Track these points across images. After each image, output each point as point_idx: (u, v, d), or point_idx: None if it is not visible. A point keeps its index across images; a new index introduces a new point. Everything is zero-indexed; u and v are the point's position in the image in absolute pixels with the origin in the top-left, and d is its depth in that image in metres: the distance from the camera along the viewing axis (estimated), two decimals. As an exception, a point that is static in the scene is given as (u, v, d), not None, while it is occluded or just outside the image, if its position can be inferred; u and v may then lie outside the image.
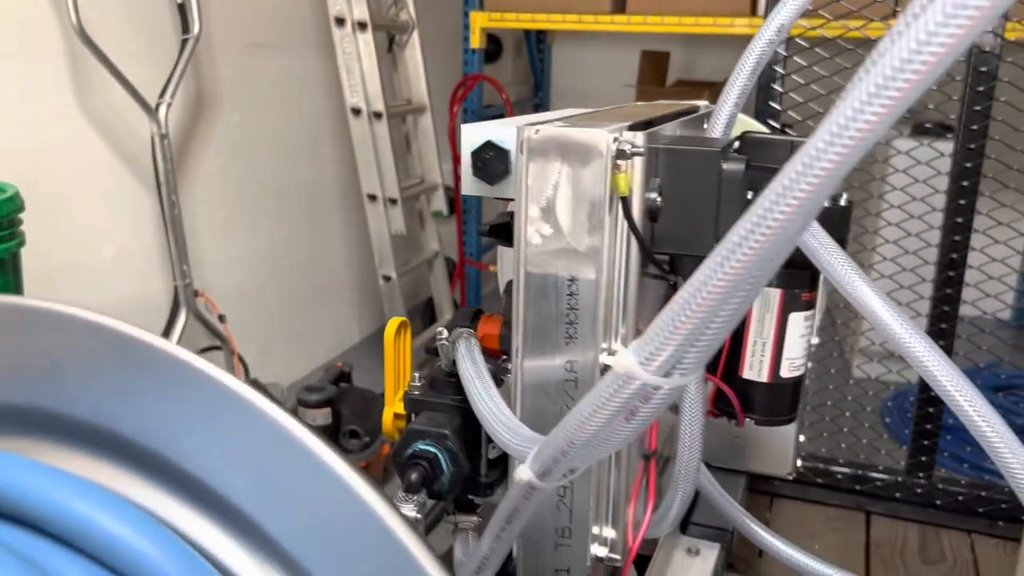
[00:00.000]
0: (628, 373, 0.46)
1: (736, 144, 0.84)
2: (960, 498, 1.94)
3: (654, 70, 3.45)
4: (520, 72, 4.01)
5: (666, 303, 0.70)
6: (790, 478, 1.38)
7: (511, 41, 3.93)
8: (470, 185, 0.75)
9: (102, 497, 0.35)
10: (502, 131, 0.73)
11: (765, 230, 0.41)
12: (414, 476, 0.73)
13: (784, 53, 1.85)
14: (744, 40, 0.80)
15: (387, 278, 2.87)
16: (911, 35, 0.34)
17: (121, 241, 2.15)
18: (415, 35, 2.95)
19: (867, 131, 0.36)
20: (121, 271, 2.16)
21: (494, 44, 3.78)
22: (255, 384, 2.43)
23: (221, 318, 2.34)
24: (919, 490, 1.98)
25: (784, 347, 0.87)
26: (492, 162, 0.71)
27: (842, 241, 0.85)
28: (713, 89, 3.22)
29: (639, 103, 1.02)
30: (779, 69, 1.85)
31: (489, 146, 0.72)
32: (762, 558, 1.73)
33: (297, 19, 2.73)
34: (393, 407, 0.83)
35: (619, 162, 0.67)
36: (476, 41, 3.18)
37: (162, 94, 2.09)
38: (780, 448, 1.33)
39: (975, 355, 2.15)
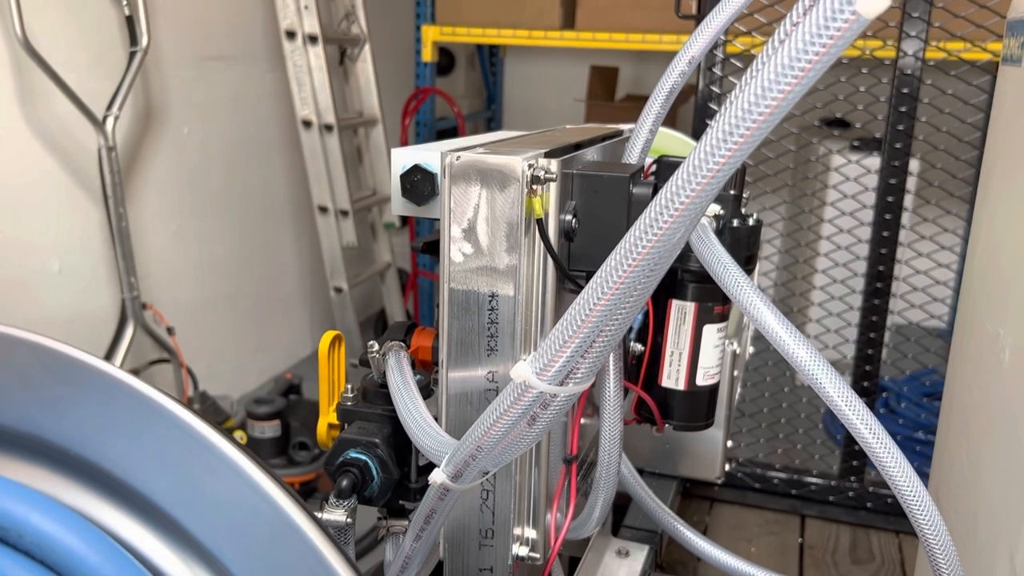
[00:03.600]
0: (525, 383, 0.51)
1: (653, 167, 0.89)
2: (889, 500, 2.02)
3: (603, 85, 3.52)
4: (473, 85, 4.06)
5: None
6: (719, 482, 1.44)
7: (464, 55, 3.98)
8: (400, 205, 0.79)
9: (32, 497, 0.38)
10: (429, 155, 0.77)
11: (633, 259, 0.46)
12: (345, 482, 0.77)
13: (720, 73, 1.93)
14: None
15: (338, 290, 2.89)
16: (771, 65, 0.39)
17: (68, 254, 2.14)
18: (367, 48, 2.98)
19: (728, 159, 0.41)
20: (68, 284, 2.16)
21: (447, 57, 3.83)
22: (203, 396, 2.43)
23: (169, 330, 2.34)
24: (851, 493, 2.06)
25: (699, 357, 0.92)
26: (419, 184, 0.76)
27: (751, 257, 0.91)
28: (659, 104, 3.30)
29: (568, 127, 1.07)
30: (715, 89, 1.93)
31: (416, 169, 0.76)
32: (700, 562, 1.79)
33: (248, 32, 2.74)
34: (327, 417, 0.86)
35: (534, 187, 0.72)
36: (428, 55, 3.23)
37: (109, 106, 2.09)
38: (709, 453, 1.38)
39: (903, 363, 2.24)
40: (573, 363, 0.50)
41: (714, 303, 0.91)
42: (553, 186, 0.73)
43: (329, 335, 0.85)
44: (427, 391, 0.81)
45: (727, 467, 1.45)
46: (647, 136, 0.84)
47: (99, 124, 2.08)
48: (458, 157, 0.72)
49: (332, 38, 2.80)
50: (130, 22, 2.17)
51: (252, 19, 2.76)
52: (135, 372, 2.29)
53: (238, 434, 2.47)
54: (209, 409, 2.48)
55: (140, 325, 2.26)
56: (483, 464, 0.59)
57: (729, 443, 1.40)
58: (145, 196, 2.38)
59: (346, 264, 2.86)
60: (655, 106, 0.83)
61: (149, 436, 0.40)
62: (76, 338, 2.18)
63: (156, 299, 2.36)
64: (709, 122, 1.95)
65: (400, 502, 0.82)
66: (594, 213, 0.74)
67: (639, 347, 0.93)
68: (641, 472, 1.36)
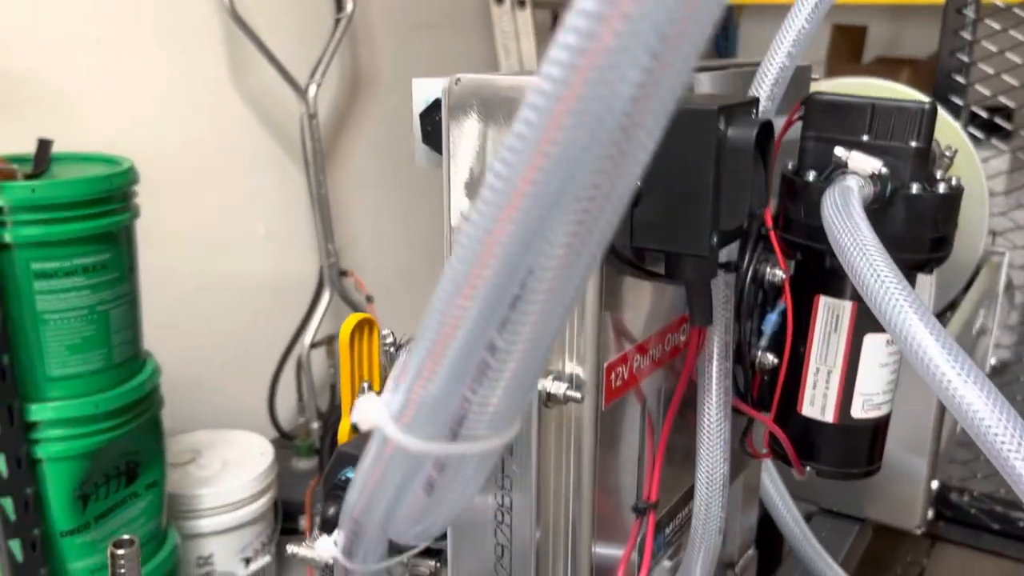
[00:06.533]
0: (382, 429, 0.31)
1: (801, 109, 0.64)
2: None
3: (848, 45, 3.10)
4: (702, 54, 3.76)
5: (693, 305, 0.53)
6: (919, 532, 1.12)
7: (693, 18, 3.69)
8: (422, 156, 0.61)
9: None
10: (455, 87, 0.58)
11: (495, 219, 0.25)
12: (332, 510, 0.60)
13: (973, 15, 1.55)
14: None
15: (537, 266, 2.78)
16: None
17: (272, 218, 2.19)
18: (580, 14, 2.81)
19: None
20: (272, 248, 2.21)
21: (673, 22, 3.56)
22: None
23: (368, 299, 2.33)
24: None
25: (857, 379, 0.66)
26: (441, 126, 0.57)
27: (941, 240, 0.64)
28: (914, 66, 2.84)
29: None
30: (966, 35, 1.55)
31: (438, 106, 0.57)
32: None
33: (457, -2, 2.68)
34: (349, 419, 0.71)
35: (563, 123, 0.50)
36: (649, 19, 3.00)
37: (312, 75, 2.10)
38: (906, 494, 1.08)
39: None
40: (456, 404, 0.29)
41: (881, 303, 0.65)
42: (593, 124, 0.51)
43: (354, 318, 0.70)
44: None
45: (931, 512, 1.13)
46: (783, 61, 0.59)
47: (302, 92, 2.09)
48: (458, 80, 0.53)
49: (542, 1, 2.66)
50: (337, -11, 2.18)
51: (461, -17, 2.69)
52: (330, 339, 2.31)
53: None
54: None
55: (337, 292, 2.27)
56: (376, 542, 0.40)
57: (935, 483, 1.09)
58: (350, 163, 2.39)
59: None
60: (801, 12, 0.58)
61: None
62: (279, 301, 2.23)
63: (358, 266, 2.36)
64: (956, 77, 1.58)
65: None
66: (666, 167, 0.51)
67: (771, 359, 0.68)
68: (808, 517, 1.08)
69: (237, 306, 2.11)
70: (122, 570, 0.40)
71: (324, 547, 0.44)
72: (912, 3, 2.40)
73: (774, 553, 1.05)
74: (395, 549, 0.43)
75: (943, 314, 1.33)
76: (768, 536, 1.00)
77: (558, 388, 0.52)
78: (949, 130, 1.32)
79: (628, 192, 0.25)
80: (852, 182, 0.55)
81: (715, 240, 0.50)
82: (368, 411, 0.31)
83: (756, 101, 0.55)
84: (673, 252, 0.52)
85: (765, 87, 0.59)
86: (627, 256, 0.53)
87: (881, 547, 1.43)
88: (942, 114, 1.34)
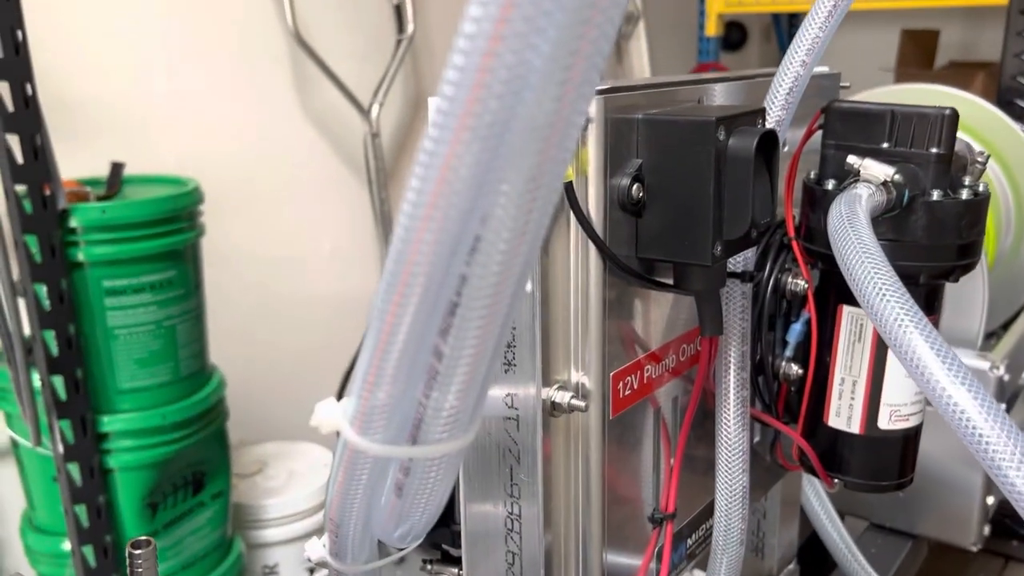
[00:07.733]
0: (344, 438, 0.32)
1: (821, 117, 0.64)
2: None
3: (918, 51, 3.00)
4: (768, 60, 3.70)
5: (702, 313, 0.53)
6: (975, 549, 1.08)
7: (758, 27, 3.64)
8: None
9: None
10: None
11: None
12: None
13: (1039, 15, 1.49)
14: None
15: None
16: None
17: (337, 236, 2.24)
18: (641, 25, 2.81)
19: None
20: (337, 265, 2.25)
21: (738, 32, 3.52)
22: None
23: (429, 315, 2.37)
24: None
25: (883, 389, 0.65)
26: None
27: (969, 247, 0.62)
28: (989, 70, 2.74)
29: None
30: (1032, 35, 1.50)
31: None
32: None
33: (517, 15, 2.70)
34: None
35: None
36: (712, 28, 2.98)
37: (374, 95, 2.15)
38: (960, 510, 1.04)
39: None
40: (410, 408, 0.30)
41: (905, 312, 0.63)
42: (592, 135, 0.51)
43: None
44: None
45: (987, 529, 1.09)
46: (797, 70, 0.59)
47: (365, 112, 2.14)
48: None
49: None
50: (398, 10, 2.21)
51: (521, 2, 2.71)
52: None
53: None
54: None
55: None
56: (361, 543, 0.41)
57: (991, 499, 1.05)
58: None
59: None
60: (815, 21, 0.57)
61: None
62: (345, 316, 2.28)
63: (417, 284, 2.38)
64: (1021, 80, 1.53)
65: (443, 546, 0.66)
66: (669, 177, 0.51)
67: (796, 369, 0.67)
68: (853, 535, 1.05)
69: (304, 321, 2.16)
70: (139, 570, 0.42)
71: (313, 549, 0.46)
72: (987, 4, 2.32)
73: (825, 569, 1.02)
74: (389, 550, 0.44)
75: (1008, 324, 1.28)
76: (815, 552, 0.98)
77: (562, 397, 0.53)
78: (1012, 136, 1.28)
79: (549, 213, 0.26)
80: (862, 190, 0.54)
81: (718, 250, 0.51)
82: (326, 415, 0.32)
83: (762, 111, 0.55)
84: (679, 262, 0.53)
85: (780, 97, 0.59)
86: (632, 267, 0.53)
87: (945, 566, 1.38)
88: (1004, 119, 1.31)
